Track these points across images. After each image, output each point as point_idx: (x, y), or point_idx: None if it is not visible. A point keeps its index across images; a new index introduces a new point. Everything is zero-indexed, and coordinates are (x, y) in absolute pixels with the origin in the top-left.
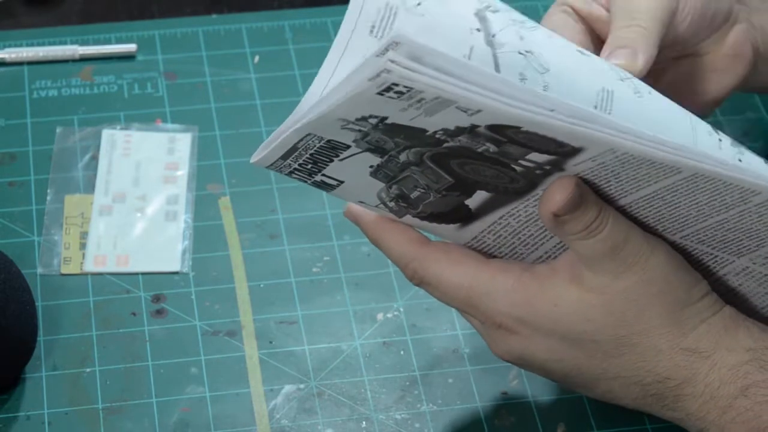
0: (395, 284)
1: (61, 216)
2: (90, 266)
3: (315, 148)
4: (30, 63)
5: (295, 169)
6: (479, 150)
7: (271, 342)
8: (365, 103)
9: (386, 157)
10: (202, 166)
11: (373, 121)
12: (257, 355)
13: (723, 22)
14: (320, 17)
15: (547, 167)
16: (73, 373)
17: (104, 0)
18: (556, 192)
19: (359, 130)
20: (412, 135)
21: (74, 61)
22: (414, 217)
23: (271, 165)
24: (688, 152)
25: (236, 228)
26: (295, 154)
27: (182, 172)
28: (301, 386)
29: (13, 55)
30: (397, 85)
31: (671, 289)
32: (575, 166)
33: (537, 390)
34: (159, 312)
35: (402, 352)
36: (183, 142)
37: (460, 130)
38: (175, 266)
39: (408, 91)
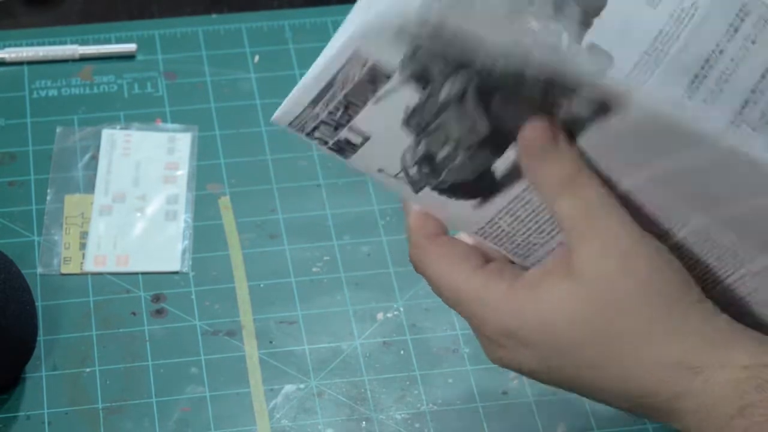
0: (395, 284)
1: (61, 216)
2: (90, 266)
3: (354, 83)
4: (30, 63)
5: (322, 121)
6: (530, 76)
7: (271, 342)
8: None
9: (427, 91)
10: (202, 166)
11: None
12: (257, 355)
13: None
14: (320, 17)
15: (584, 119)
16: (73, 373)
17: (104, 0)
18: (531, 127)
19: (412, 43)
20: (469, 49)
21: (74, 60)
22: (432, 189)
23: (297, 118)
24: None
25: (236, 228)
26: (329, 94)
27: (182, 172)
28: (301, 386)
29: (13, 55)
30: None
31: (660, 288)
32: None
33: (537, 390)
34: (159, 312)
35: (402, 352)
36: (183, 141)
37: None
38: (175, 266)
39: None
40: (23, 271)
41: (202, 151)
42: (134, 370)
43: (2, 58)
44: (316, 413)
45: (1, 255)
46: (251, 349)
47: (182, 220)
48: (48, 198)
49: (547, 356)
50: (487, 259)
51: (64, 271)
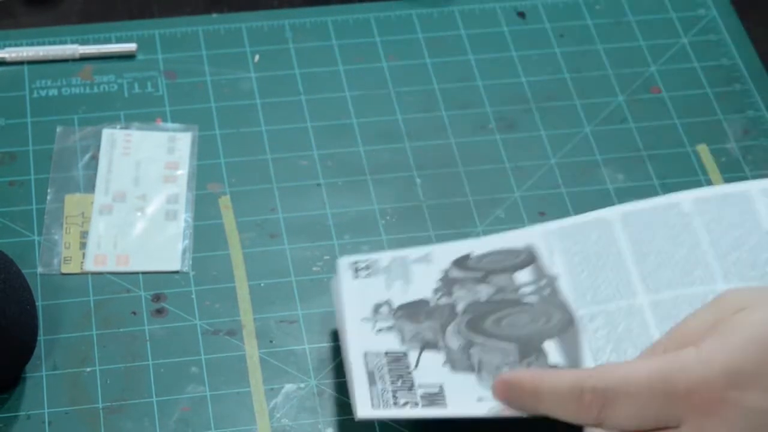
0: None
1: (61, 215)
2: (90, 266)
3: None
4: (30, 62)
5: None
6: (484, 300)
7: (271, 341)
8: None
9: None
10: (202, 166)
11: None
12: (257, 355)
13: None
14: (320, 17)
15: (541, 284)
16: (74, 373)
17: (104, 0)
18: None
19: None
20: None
21: (74, 60)
22: None
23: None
24: None
25: (236, 227)
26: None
27: (182, 172)
28: (302, 385)
29: (13, 55)
30: None
31: None
32: (552, 266)
33: None
34: (159, 311)
35: None
36: (183, 141)
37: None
38: (176, 265)
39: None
40: (23, 271)
41: (202, 151)
42: (134, 369)
43: (2, 58)
44: (316, 412)
45: (1, 255)
46: (251, 349)
47: (182, 219)
48: (48, 198)
49: None
50: None
51: (64, 270)
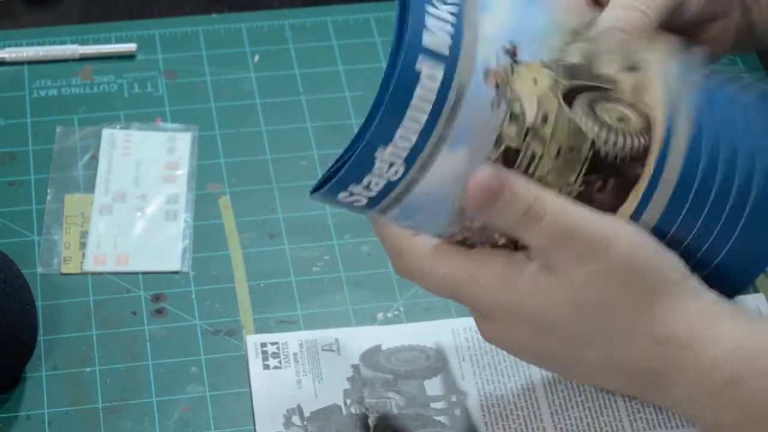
0: (395, 284)
1: (61, 215)
2: (90, 266)
3: None
4: (30, 63)
5: None
6: (395, 413)
7: None
8: None
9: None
10: (202, 166)
11: None
12: None
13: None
14: (320, 17)
15: (452, 400)
16: (73, 373)
17: (104, 0)
18: (476, 178)
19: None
20: None
21: (74, 60)
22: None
23: None
24: None
25: (236, 227)
26: None
27: (182, 172)
28: None
29: (13, 55)
30: None
31: (638, 278)
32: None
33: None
34: (159, 311)
35: None
36: (183, 141)
37: None
38: (175, 265)
39: None
40: (23, 271)
41: (202, 151)
42: (134, 369)
43: (2, 58)
44: None
45: (1, 255)
46: None
47: (182, 219)
48: (48, 198)
49: (536, 333)
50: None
51: (64, 270)
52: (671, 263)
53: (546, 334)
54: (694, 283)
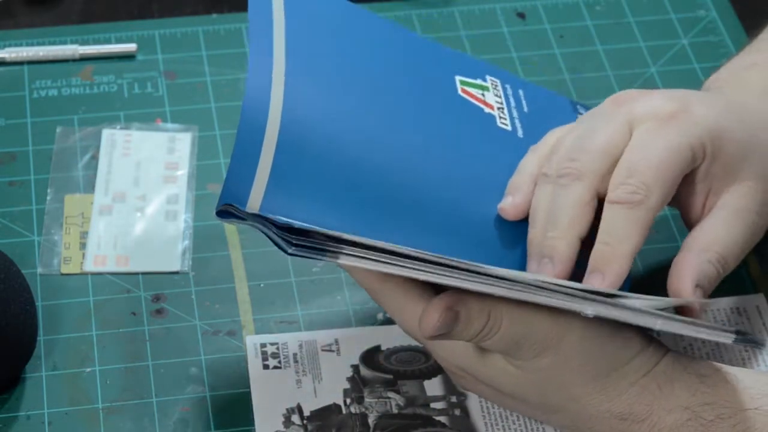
0: None
1: (61, 216)
2: (90, 266)
3: None
4: (30, 63)
5: None
6: (395, 412)
7: None
8: None
9: None
10: (202, 166)
11: None
12: None
13: None
14: None
15: (451, 400)
16: (73, 373)
17: (104, 0)
18: (426, 318)
19: None
20: None
21: (74, 60)
22: None
23: None
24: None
25: (236, 227)
26: None
27: (182, 172)
28: None
29: (13, 55)
30: None
31: (591, 362)
32: None
33: None
34: (159, 312)
35: None
36: (183, 141)
37: None
38: (175, 266)
39: None
40: (23, 271)
41: (202, 151)
42: (134, 370)
43: (2, 58)
44: None
45: (1, 255)
46: None
47: (182, 220)
48: (48, 198)
49: (503, 397)
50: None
51: (64, 271)
52: (624, 342)
53: (520, 402)
54: (650, 354)
